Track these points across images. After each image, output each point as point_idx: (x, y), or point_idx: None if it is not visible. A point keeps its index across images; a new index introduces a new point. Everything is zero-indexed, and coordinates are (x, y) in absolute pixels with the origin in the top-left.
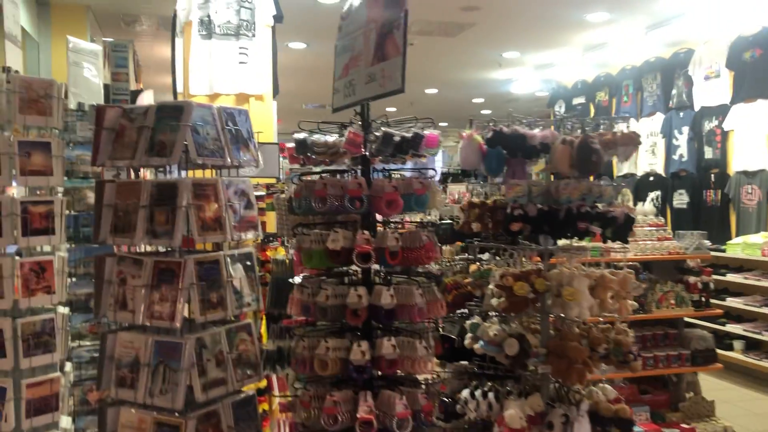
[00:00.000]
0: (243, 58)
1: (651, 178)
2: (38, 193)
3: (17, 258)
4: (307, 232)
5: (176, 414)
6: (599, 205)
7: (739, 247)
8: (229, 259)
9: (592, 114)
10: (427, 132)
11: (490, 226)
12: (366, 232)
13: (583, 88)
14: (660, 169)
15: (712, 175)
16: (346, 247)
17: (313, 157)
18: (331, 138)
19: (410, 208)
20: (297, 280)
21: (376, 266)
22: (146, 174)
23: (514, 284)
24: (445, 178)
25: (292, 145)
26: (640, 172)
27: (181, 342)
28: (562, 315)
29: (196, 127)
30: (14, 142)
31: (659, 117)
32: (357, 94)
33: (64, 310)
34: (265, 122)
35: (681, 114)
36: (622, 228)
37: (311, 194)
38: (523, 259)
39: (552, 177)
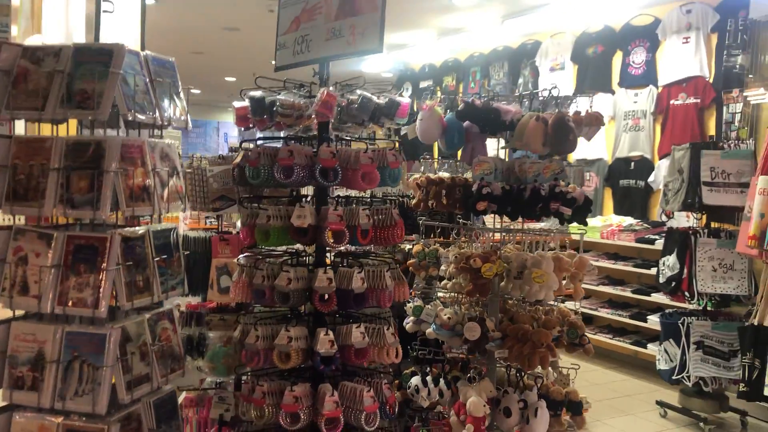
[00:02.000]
0: (107, 6)
1: None
2: None
3: None
4: (264, 206)
5: (97, 418)
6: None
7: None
8: (153, 236)
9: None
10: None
11: (445, 203)
12: (338, 208)
13: (430, 71)
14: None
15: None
16: (313, 224)
17: (274, 120)
18: (299, 99)
19: (384, 182)
20: (240, 259)
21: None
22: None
23: (482, 266)
24: None
25: (242, 104)
26: None
27: (104, 333)
28: (520, 297)
29: (126, 76)
30: None
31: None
32: (313, 52)
33: None
34: None
35: (526, 102)
36: (581, 209)
37: (273, 163)
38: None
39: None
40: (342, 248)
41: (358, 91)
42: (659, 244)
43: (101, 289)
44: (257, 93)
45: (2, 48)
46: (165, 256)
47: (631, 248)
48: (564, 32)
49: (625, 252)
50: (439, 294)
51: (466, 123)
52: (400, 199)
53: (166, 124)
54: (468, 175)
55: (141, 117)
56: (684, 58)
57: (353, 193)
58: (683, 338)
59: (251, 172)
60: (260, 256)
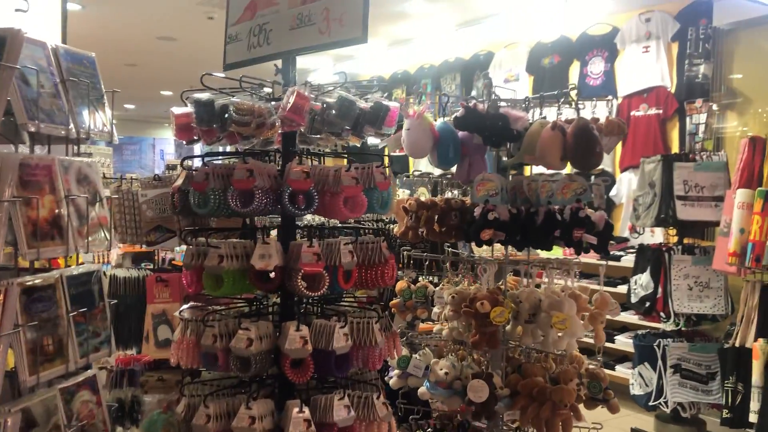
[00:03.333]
0: (21, 5)
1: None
2: None
3: None
4: (215, 242)
5: None
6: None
7: None
8: (68, 283)
9: None
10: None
11: (439, 231)
12: (314, 243)
13: (379, 83)
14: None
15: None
16: (280, 266)
17: (226, 130)
18: (260, 103)
19: (371, 208)
20: (184, 312)
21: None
22: None
23: (491, 310)
24: None
25: (184, 110)
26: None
27: None
28: (533, 346)
29: (25, 73)
30: None
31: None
32: (275, 45)
33: None
34: None
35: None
36: (602, 236)
37: (227, 186)
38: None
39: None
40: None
41: (338, 93)
42: (625, 260)
43: None
44: (204, 95)
45: None
46: (84, 309)
47: (594, 266)
48: (518, 42)
49: (588, 269)
50: (429, 342)
51: (462, 133)
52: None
53: (84, 137)
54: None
55: (48, 128)
56: (644, 68)
57: (320, 219)
58: (659, 361)
59: (197, 199)
60: (209, 307)
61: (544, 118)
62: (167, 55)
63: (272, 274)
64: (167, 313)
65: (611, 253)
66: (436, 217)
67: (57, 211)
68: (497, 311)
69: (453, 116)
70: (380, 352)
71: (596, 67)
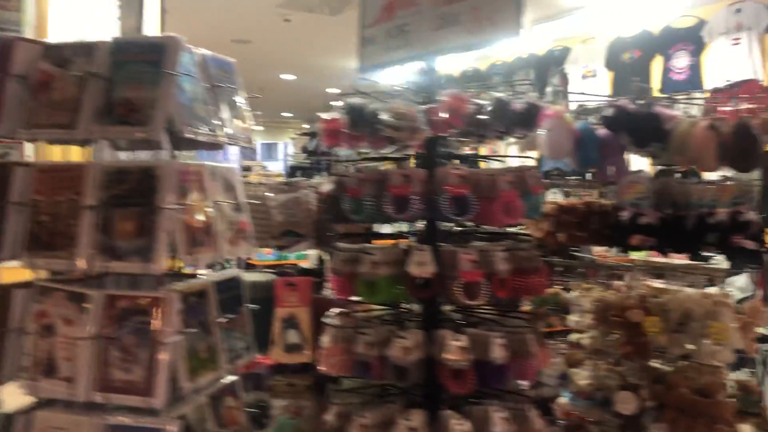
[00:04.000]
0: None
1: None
2: None
3: None
4: (370, 249)
5: None
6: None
7: None
8: (216, 289)
9: None
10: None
11: (579, 236)
12: (470, 251)
13: (448, 82)
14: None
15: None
16: (437, 272)
17: (377, 134)
18: (409, 108)
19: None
20: (332, 318)
21: None
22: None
23: (644, 319)
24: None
25: (332, 116)
26: None
27: (161, 428)
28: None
29: (181, 81)
30: None
31: None
32: (417, 45)
33: None
34: None
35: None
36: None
37: (380, 192)
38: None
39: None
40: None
41: (491, 94)
42: (716, 261)
43: (156, 368)
44: (356, 101)
45: (16, 46)
46: (232, 316)
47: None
48: (595, 37)
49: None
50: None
51: (603, 132)
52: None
53: (230, 142)
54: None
55: (202, 134)
56: (734, 61)
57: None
58: (760, 366)
59: (352, 205)
60: (358, 314)
61: (693, 116)
62: (240, 58)
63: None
64: (296, 317)
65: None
66: (576, 222)
67: (208, 217)
68: (651, 321)
69: (600, 115)
70: (535, 364)
71: (681, 61)
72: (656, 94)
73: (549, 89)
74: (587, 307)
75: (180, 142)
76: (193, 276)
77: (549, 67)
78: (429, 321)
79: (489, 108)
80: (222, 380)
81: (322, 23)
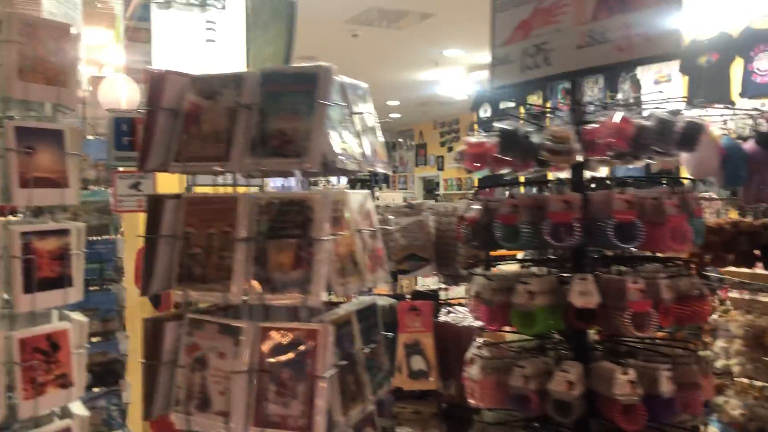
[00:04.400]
0: (211, 35)
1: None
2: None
3: (13, 335)
4: (525, 277)
5: None
6: None
7: None
8: (357, 317)
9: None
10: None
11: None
12: (638, 279)
13: (512, 90)
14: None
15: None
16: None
17: (529, 158)
18: (567, 131)
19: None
20: (482, 350)
21: None
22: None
23: None
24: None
25: (477, 139)
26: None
27: None
28: None
29: (329, 110)
30: (9, 127)
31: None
32: (559, 65)
33: (82, 410)
34: None
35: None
36: None
37: (538, 218)
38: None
39: None
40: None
41: (653, 113)
42: None
43: (314, 403)
44: (508, 124)
45: (166, 80)
46: (373, 345)
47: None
48: None
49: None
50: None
51: (750, 148)
52: None
53: (372, 169)
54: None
55: (350, 162)
56: None
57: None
58: None
59: (505, 232)
60: (503, 345)
61: None
62: None
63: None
64: (419, 342)
65: None
66: (723, 242)
67: (352, 246)
68: None
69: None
70: (701, 395)
71: (764, 63)
72: (735, 98)
73: (619, 95)
74: (736, 332)
75: (333, 171)
76: (335, 305)
77: (620, 73)
78: (580, 351)
79: (650, 128)
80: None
81: (387, 38)
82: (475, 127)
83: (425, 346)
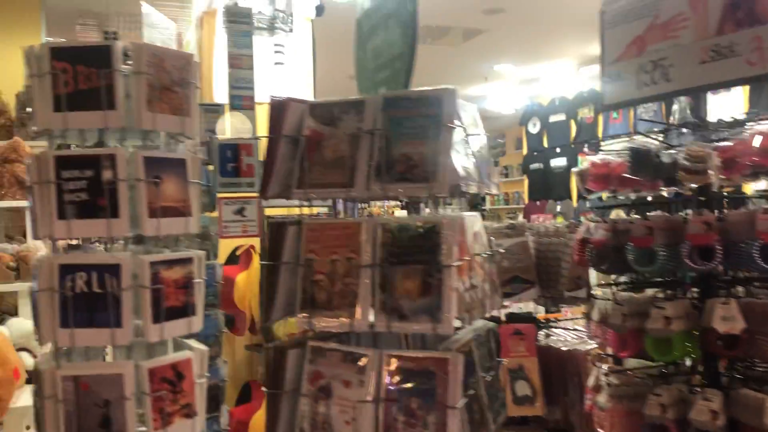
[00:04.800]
0: (279, 58)
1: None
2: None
3: (143, 364)
4: (660, 302)
5: None
6: None
7: None
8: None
9: (572, 132)
10: None
11: None
12: None
13: (562, 104)
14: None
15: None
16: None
17: (658, 178)
18: (705, 150)
19: None
20: (611, 377)
21: None
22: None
23: None
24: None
25: (604, 159)
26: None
27: None
28: None
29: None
30: (138, 158)
31: (658, 135)
32: (679, 81)
33: None
34: None
35: (684, 131)
36: None
37: (674, 242)
38: None
39: None
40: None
41: None
42: None
43: None
44: (639, 144)
45: (288, 108)
46: (493, 373)
47: None
48: None
49: None
50: None
51: None
52: None
53: (487, 192)
54: None
55: (473, 185)
56: None
57: None
58: None
59: (638, 255)
60: (630, 372)
61: None
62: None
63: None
64: (523, 367)
65: None
66: None
67: (472, 270)
68: None
69: None
70: None
71: None
72: None
73: (675, 106)
74: None
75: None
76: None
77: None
78: (715, 378)
79: None
80: None
81: (435, 54)
82: (524, 141)
83: (530, 370)
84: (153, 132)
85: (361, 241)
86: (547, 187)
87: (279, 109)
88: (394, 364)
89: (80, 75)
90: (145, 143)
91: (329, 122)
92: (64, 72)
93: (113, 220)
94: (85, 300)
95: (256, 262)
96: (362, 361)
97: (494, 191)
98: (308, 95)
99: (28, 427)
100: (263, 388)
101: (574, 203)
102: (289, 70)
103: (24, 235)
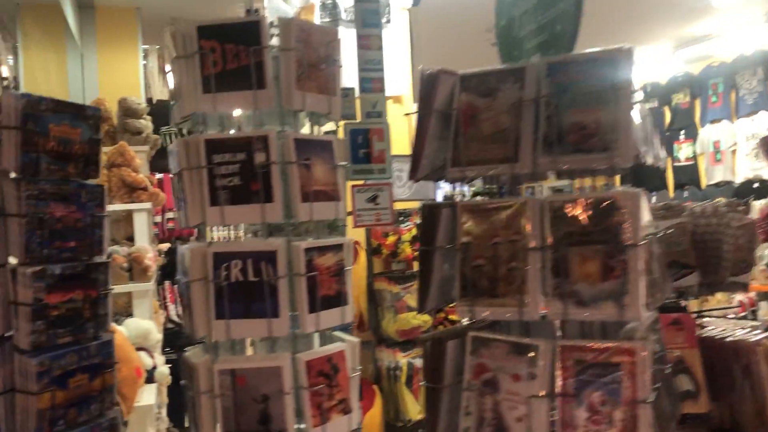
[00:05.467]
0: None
1: (755, 185)
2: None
3: (300, 357)
4: None
5: None
6: None
7: None
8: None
9: (667, 118)
10: None
11: None
12: None
13: (654, 90)
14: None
15: None
16: None
17: None
18: None
19: None
20: None
21: None
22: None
23: None
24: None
25: None
26: (739, 179)
27: None
28: None
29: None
30: (289, 140)
31: (763, 116)
32: None
33: None
34: (404, 130)
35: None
36: None
37: None
38: None
39: None
40: None
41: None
42: None
43: (637, 430)
44: None
45: (438, 81)
46: (670, 365)
47: None
48: None
49: None
50: None
51: None
52: None
53: (658, 161)
54: None
55: (649, 156)
56: None
57: None
58: None
59: None
60: None
61: None
62: None
63: None
64: (684, 360)
65: None
66: None
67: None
68: None
69: None
70: None
71: None
72: None
73: None
74: None
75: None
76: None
77: None
78: None
79: None
80: None
81: None
82: None
83: (691, 363)
84: (299, 113)
85: (527, 222)
86: (638, 180)
87: (429, 82)
88: (569, 354)
89: (228, 53)
90: (283, 126)
91: (485, 93)
92: (213, 51)
93: (267, 205)
94: (240, 289)
95: (362, 258)
96: (532, 353)
97: (661, 162)
98: (406, 88)
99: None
100: (374, 386)
101: (671, 194)
102: (387, 62)
103: (129, 239)
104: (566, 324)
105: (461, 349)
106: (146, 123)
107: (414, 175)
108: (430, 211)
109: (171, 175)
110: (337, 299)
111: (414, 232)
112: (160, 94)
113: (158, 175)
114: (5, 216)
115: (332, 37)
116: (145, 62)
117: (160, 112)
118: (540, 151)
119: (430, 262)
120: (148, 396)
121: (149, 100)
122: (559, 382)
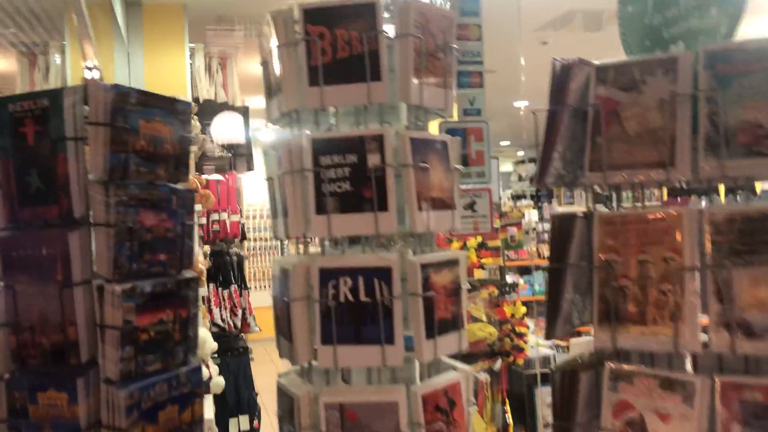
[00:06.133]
0: None
1: None
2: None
3: (416, 390)
4: None
5: None
6: None
7: None
8: None
9: None
10: None
11: None
12: None
13: None
14: None
15: None
16: None
17: None
18: None
19: None
20: None
21: None
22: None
23: None
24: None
25: None
26: None
27: None
28: None
29: None
30: (405, 140)
31: None
32: None
33: None
34: None
35: None
36: None
37: None
38: None
39: None
40: None
41: None
42: None
43: None
44: None
45: (572, 72)
46: None
47: None
48: None
49: None
50: None
51: None
52: None
53: None
54: None
55: None
56: None
57: None
58: None
59: None
60: None
61: None
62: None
63: None
64: None
65: None
66: None
67: None
68: None
69: None
70: None
71: None
72: None
73: None
74: None
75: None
76: None
77: None
78: None
79: None
80: None
81: (583, 42)
82: None
83: None
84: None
85: (683, 237)
86: None
87: (562, 74)
88: (732, 393)
89: (339, 40)
90: (392, 123)
91: (628, 87)
92: (321, 37)
93: (381, 214)
94: (350, 311)
95: None
96: (687, 390)
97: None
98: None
99: None
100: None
101: None
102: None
103: None
104: (725, 357)
105: (595, 382)
106: (194, 123)
107: (541, 180)
108: (562, 223)
109: (265, 179)
110: (454, 323)
111: (480, 238)
112: (207, 93)
113: (207, 177)
114: (92, 226)
115: (450, 23)
116: (191, 61)
117: (206, 111)
118: (701, 154)
119: (561, 281)
120: (206, 409)
121: (195, 100)
122: (719, 426)
